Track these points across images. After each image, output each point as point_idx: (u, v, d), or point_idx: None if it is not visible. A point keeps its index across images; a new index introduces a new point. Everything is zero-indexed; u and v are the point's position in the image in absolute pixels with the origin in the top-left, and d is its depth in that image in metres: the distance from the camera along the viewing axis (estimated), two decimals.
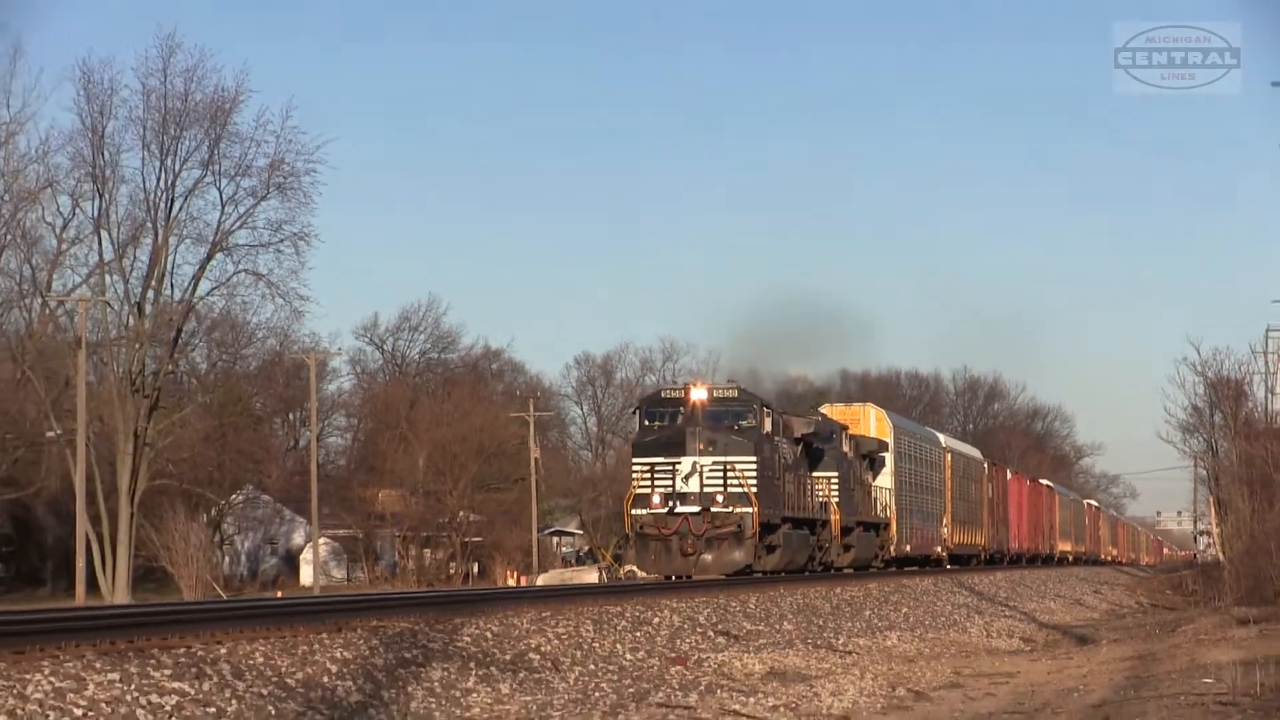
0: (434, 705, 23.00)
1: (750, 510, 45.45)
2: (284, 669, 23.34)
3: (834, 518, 61.99)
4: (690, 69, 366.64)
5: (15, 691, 18.49)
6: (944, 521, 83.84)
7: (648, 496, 46.62)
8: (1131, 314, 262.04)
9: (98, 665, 21.21)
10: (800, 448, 58.76)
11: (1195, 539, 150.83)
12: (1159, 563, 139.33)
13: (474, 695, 24.07)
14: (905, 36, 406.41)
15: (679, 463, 45.77)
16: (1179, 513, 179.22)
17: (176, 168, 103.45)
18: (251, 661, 23.33)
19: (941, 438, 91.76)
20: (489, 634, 29.38)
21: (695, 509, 45.20)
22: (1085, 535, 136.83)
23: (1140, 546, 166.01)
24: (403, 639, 27.32)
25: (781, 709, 26.14)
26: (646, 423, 49.55)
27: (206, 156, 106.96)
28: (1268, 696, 23.45)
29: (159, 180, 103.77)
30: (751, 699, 26.99)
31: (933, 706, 27.01)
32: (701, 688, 27.98)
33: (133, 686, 20.36)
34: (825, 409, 72.23)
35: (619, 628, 33.39)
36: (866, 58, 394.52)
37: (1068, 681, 31.08)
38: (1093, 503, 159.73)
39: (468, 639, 28.20)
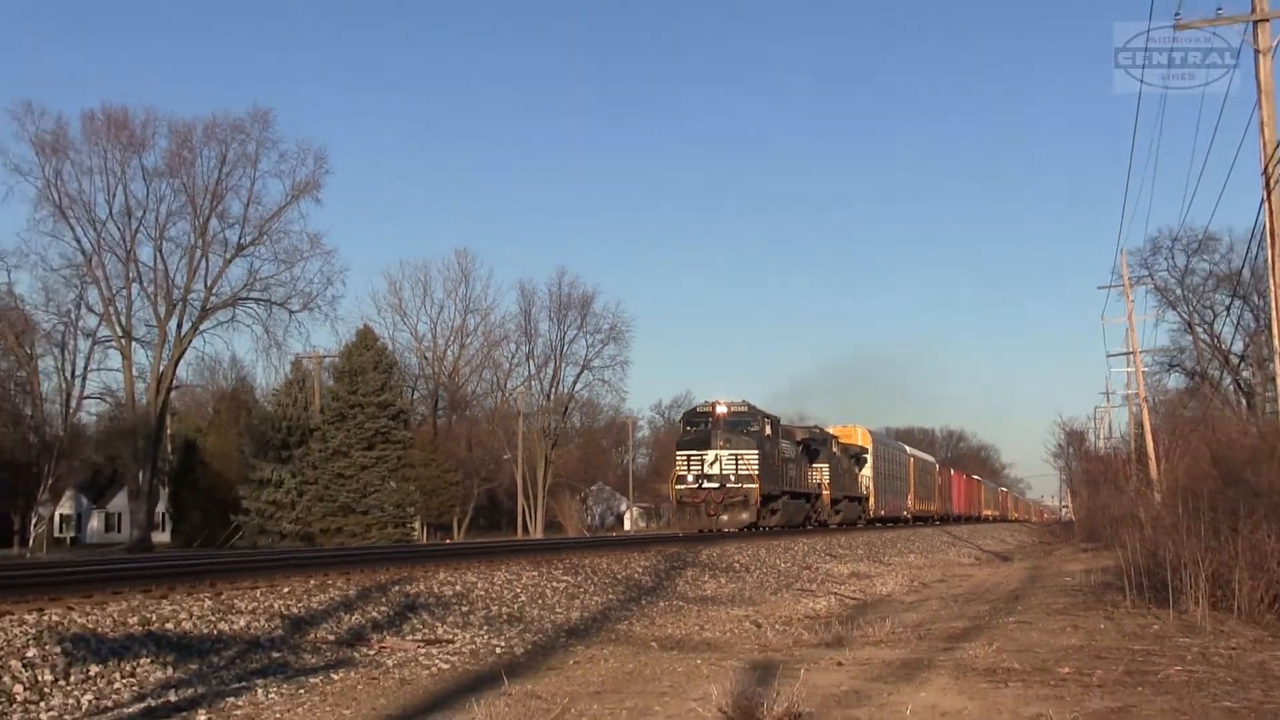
0: (688, 588, 24.23)
1: (754, 486, 41.51)
2: (615, 570, 25.06)
3: (825, 493, 56.46)
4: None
5: (487, 578, 19.61)
6: (909, 497, 78.79)
7: (685, 477, 42.93)
8: (1031, 395, 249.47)
9: (527, 567, 23.57)
10: (800, 448, 53.01)
11: (1060, 510, 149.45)
12: (1041, 521, 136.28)
13: (706, 583, 25.28)
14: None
15: (706, 454, 42.13)
16: (1053, 496, 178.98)
17: (564, 329, 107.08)
18: (600, 566, 25.16)
19: (907, 448, 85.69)
20: (714, 554, 30.69)
21: (716, 485, 41.63)
22: (999, 506, 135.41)
23: (1030, 513, 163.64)
24: (673, 556, 29.23)
25: (857, 591, 26.66)
26: (687, 428, 45.99)
27: (579, 325, 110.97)
28: (1095, 586, 22.94)
29: (558, 336, 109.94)
30: (842, 586, 27.78)
31: (932, 590, 27.16)
32: (818, 581, 28.93)
33: (543, 578, 21.94)
34: (831, 428, 64.57)
35: (778, 551, 34.37)
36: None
37: (999, 579, 30.87)
38: (1004, 489, 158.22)
39: (704, 557, 30.00)
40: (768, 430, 44.58)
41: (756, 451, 42.20)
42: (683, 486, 43.18)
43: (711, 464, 42.15)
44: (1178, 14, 24.05)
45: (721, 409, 44.56)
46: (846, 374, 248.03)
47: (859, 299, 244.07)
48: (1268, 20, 22.49)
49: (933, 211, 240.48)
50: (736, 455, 42.05)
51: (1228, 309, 71.76)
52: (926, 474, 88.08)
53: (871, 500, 68.02)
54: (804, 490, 51.81)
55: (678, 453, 46.13)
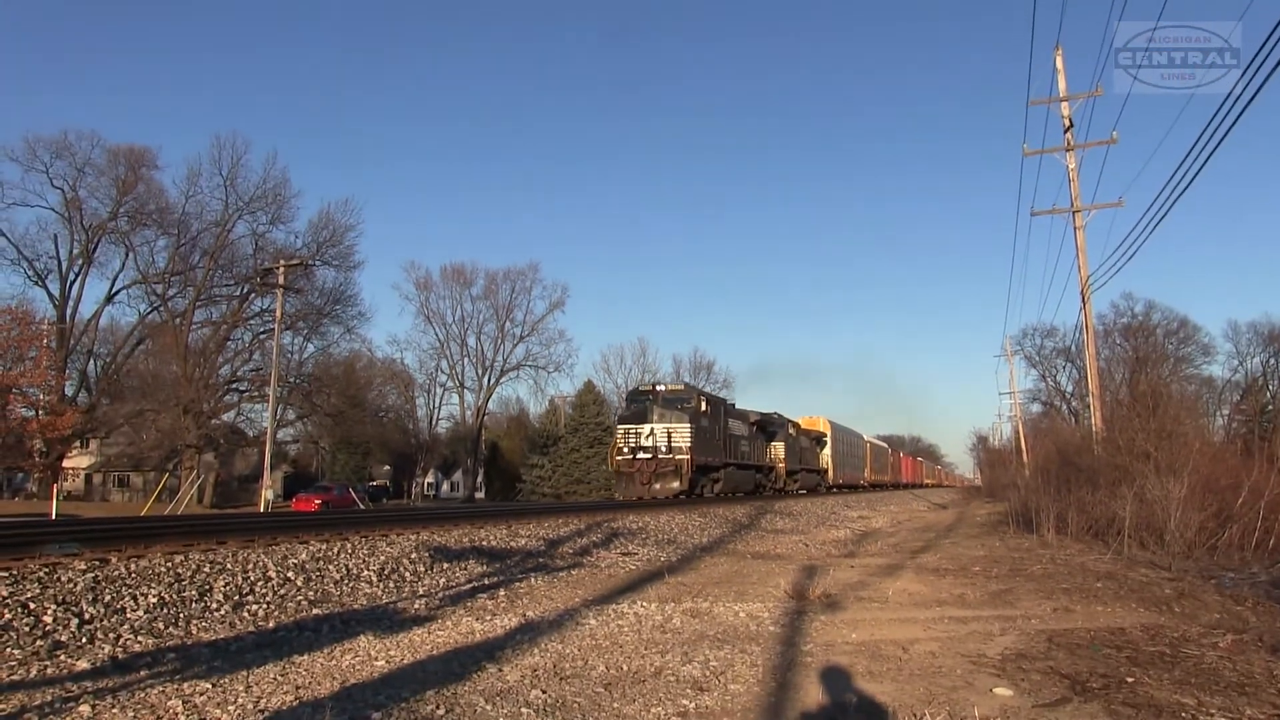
0: (767, 524, 23.60)
1: (685, 457, 29.77)
2: (726, 514, 24.28)
3: (780, 466, 42.12)
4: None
5: (655, 519, 19.47)
6: (865, 470, 65.22)
7: (622, 449, 30.58)
8: (959, 415, 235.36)
9: (677, 514, 22.57)
10: (755, 428, 39.04)
11: (974, 479, 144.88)
12: (963, 486, 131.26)
13: (777, 521, 24.58)
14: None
15: (642, 428, 30.03)
16: (970, 471, 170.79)
17: (697, 381, 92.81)
18: (718, 512, 24.35)
19: (865, 435, 69.47)
20: (782, 506, 29.75)
21: (649, 456, 29.77)
22: (936, 477, 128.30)
23: (957, 481, 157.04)
24: (760, 507, 28.17)
25: (861, 526, 25.93)
26: (630, 405, 32.32)
27: (706, 379, 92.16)
28: (994, 522, 22.34)
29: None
30: (853, 523, 26.86)
31: (902, 525, 26.59)
32: (839, 520, 27.83)
33: (687, 519, 21.45)
34: (799, 419, 50.82)
35: (816, 504, 33.21)
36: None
37: (941, 519, 30.04)
38: (940, 467, 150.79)
39: (776, 507, 28.73)
40: (704, 407, 32.32)
41: (689, 426, 30.52)
42: (621, 458, 31.22)
43: (647, 437, 30.62)
44: (1032, 205, 23.97)
45: (660, 388, 32.49)
46: (872, 392, 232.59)
47: (876, 344, 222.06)
48: (1079, 211, 22.45)
49: (926, 307, 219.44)
50: (669, 429, 30.38)
51: (1064, 368, 72.86)
52: (880, 455, 74.69)
53: (830, 472, 54.10)
54: (757, 463, 38.52)
55: (618, 427, 32.77)
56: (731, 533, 20.11)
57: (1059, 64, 22.86)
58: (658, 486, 29.73)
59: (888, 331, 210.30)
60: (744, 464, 36.14)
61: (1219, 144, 11.72)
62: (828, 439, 54.11)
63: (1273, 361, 76.46)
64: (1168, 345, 69.88)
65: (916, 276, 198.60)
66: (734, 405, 38.09)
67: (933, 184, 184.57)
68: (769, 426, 41.81)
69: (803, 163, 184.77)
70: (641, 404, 31.52)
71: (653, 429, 30.14)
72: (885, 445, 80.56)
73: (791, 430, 45.13)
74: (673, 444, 29.98)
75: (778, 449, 42.36)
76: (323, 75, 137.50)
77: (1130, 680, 5.73)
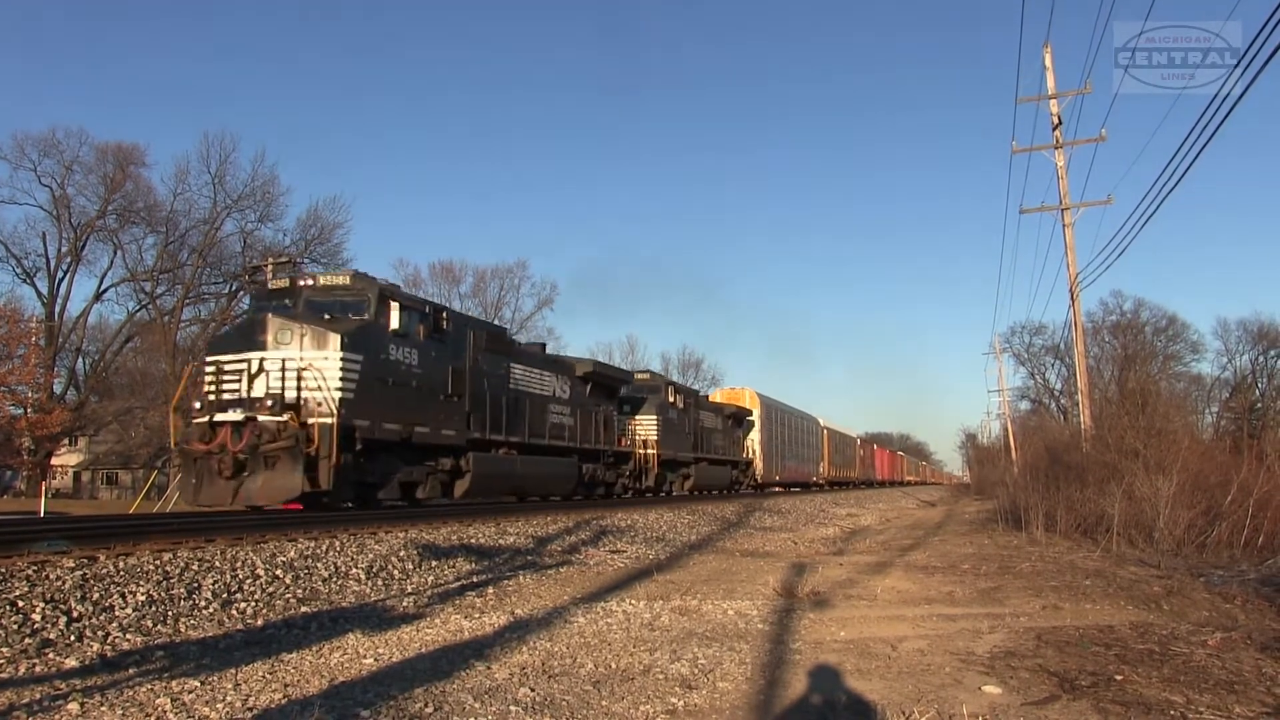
0: (756, 521, 23.38)
1: (327, 420, 12.21)
2: (716, 512, 24.06)
3: (650, 452, 27.08)
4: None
5: (644, 517, 19.40)
6: (821, 464, 51.99)
7: (197, 405, 12.67)
8: (948, 413, 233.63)
9: (666, 511, 22.41)
10: (588, 388, 22.91)
11: (963, 477, 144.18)
12: (952, 484, 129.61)
13: (766, 519, 24.35)
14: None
15: (247, 359, 12.51)
16: (960, 469, 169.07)
17: (686, 377, 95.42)
18: (708, 510, 24.27)
19: (821, 419, 53.86)
20: (769, 504, 29.42)
21: (239, 419, 12.16)
22: (920, 473, 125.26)
23: (945, 479, 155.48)
24: (749, 504, 27.88)
25: (850, 523, 25.73)
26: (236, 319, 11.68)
27: (695, 376, 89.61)
28: (983, 520, 22.38)
29: (685, 380, 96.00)
30: (842, 521, 26.69)
31: (891, 523, 26.48)
32: (828, 518, 27.65)
33: (676, 517, 21.29)
34: (718, 390, 42.42)
35: (805, 501, 33.08)
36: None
37: (929, 516, 30.00)
38: (925, 463, 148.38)
39: (764, 505, 28.34)
40: (400, 321, 14.53)
41: (344, 355, 13.17)
42: (195, 423, 13.12)
43: (255, 377, 12.85)
44: (1021, 202, 24.12)
45: (307, 281, 14.55)
46: (864, 389, 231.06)
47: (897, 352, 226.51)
48: (1068, 208, 22.56)
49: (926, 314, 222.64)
50: (291, 361, 12.79)
51: (1053, 366, 73.50)
52: (845, 445, 61.53)
53: (759, 464, 40.35)
54: (590, 446, 23.44)
55: (206, 358, 13.92)
56: (721, 530, 20.06)
57: (1048, 61, 22.93)
58: (257, 485, 13.21)
59: (879, 328, 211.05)
60: (548, 445, 21.45)
61: (1208, 142, 11.74)
62: (755, 419, 40.84)
63: (1261, 359, 76.97)
64: (1156, 343, 70.40)
65: (907, 273, 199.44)
66: (544, 349, 23.63)
67: (922, 181, 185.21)
68: (620, 388, 26.35)
69: (792, 160, 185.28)
70: (258, 313, 14.43)
71: (262, 361, 13.36)
72: (853, 435, 68.85)
73: (674, 399, 29.99)
74: (302, 391, 13.21)
75: (644, 426, 27.85)
76: (312, 73, 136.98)
77: (1119, 678, 5.75)
